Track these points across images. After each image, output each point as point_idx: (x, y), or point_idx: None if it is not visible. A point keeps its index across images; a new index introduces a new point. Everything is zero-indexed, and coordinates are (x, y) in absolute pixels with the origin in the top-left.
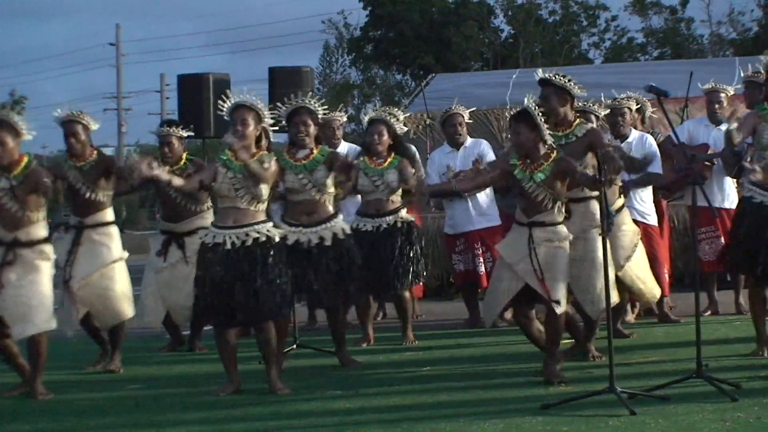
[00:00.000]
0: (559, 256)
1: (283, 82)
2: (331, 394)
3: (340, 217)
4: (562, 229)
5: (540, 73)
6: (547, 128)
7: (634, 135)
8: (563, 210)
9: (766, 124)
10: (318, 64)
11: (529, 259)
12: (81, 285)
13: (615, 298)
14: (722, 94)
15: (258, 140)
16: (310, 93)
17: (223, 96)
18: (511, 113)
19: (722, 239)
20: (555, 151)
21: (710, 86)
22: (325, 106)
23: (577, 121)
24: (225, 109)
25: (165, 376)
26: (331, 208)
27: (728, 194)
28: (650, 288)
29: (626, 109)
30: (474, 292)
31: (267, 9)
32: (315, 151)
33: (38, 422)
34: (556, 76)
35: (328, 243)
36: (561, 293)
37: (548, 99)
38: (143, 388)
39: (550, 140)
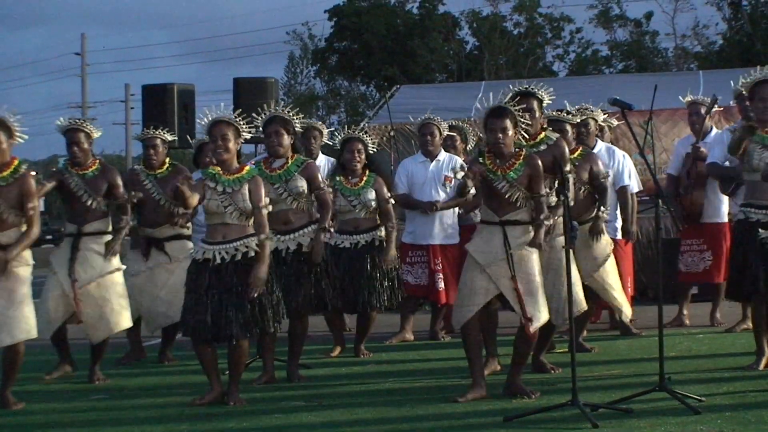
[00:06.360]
0: (535, 263)
1: (247, 93)
2: (294, 406)
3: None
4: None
5: (524, 86)
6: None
7: (599, 146)
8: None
9: (755, 145)
10: (283, 75)
11: (506, 264)
12: (79, 293)
13: (583, 305)
14: (702, 108)
15: (239, 155)
16: (279, 103)
17: (202, 111)
18: (490, 110)
19: (709, 253)
20: (523, 149)
21: (690, 98)
22: (301, 115)
23: (543, 134)
24: (203, 126)
25: (129, 386)
26: (308, 215)
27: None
28: (621, 299)
29: (590, 120)
30: (415, 307)
31: (233, 20)
32: (290, 161)
33: None
34: (538, 90)
35: (306, 249)
36: (538, 309)
37: (533, 111)
38: (106, 399)
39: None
